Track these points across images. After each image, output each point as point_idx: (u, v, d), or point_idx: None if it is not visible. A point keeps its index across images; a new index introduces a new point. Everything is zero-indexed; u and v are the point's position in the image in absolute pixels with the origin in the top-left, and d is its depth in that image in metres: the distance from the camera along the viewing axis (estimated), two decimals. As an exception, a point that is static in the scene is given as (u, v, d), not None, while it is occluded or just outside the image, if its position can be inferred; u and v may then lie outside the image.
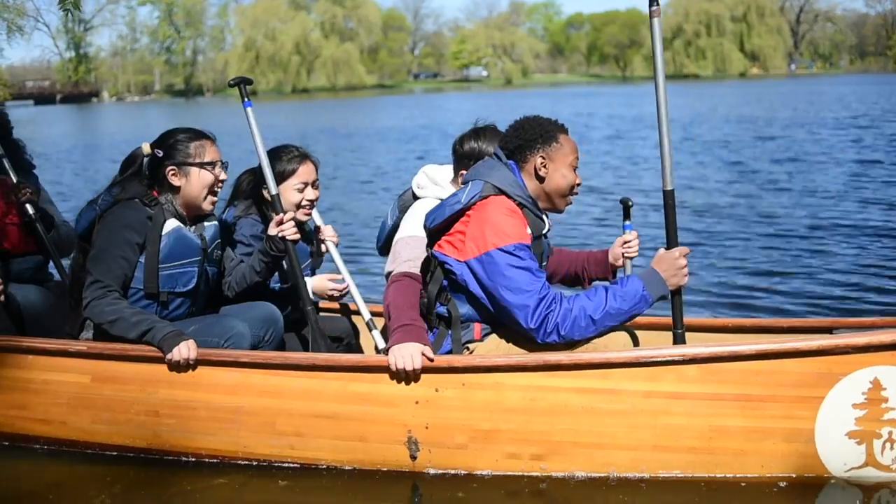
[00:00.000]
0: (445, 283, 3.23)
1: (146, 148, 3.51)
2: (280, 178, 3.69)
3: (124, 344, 3.36)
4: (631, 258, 3.66)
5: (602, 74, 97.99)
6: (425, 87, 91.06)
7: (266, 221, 3.76)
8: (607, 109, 30.23)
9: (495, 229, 3.07)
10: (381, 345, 3.68)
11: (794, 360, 2.95)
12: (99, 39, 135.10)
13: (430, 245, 3.30)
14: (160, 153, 3.47)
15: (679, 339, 3.15)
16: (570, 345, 3.09)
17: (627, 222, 3.69)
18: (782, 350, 2.95)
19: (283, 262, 3.73)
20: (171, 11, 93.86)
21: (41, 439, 3.57)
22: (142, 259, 3.39)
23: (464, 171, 3.47)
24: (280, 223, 3.54)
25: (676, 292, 3.14)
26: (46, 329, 3.92)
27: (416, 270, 3.35)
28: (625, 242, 3.63)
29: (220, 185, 3.54)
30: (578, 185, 3.29)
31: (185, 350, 3.26)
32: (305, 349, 3.82)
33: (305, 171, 3.78)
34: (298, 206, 3.76)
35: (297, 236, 3.57)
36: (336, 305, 4.32)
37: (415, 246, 3.39)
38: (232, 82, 3.64)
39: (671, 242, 3.15)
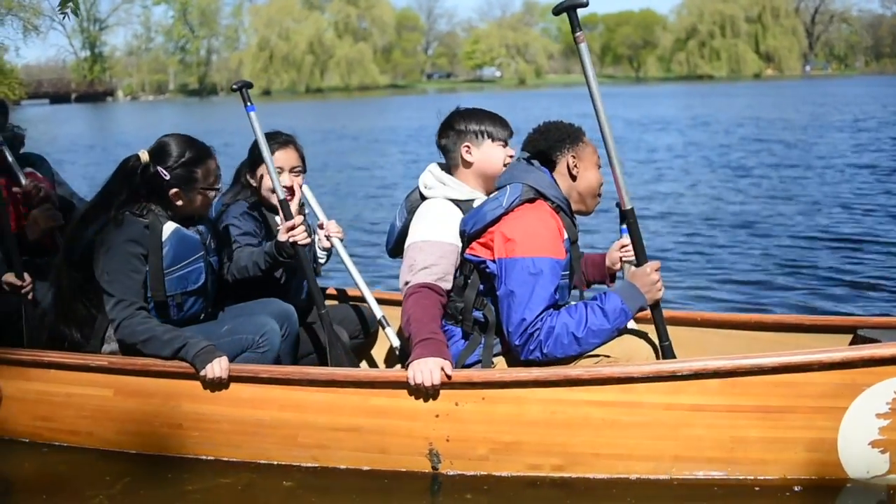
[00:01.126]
0: (482, 287, 3.24)
1: (144, 157, 3.45)
2: (260, 161, 3.70)
3: (145, 359, 3.38)
4: (629, 262, 3.66)
5: (615, 75, 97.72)
6: (438, 88, 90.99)
7: (256, 207, 3.83)
8: (620, 111, 30.13)
9: (529, 238, 3.08)
10: (395, 342, 3.69)
11: (817, 372, 2.94)
12: (114, 39, 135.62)
13: (464, 249, 3.30)
14: (166, 176, 3.42)
15: (667, 352, 3.17)
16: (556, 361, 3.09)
17: (624, 226, 3.68)
18: (805, 362, 2.95)
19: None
20: (186, 11, 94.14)
21: (80, 448, 3.61)
22: (146, 269, 3.39)
23: (465, 148, 3.46)
24: (290, 228, 3.54)
25: (655, 306, 3.16)
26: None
27: (434, 277, 3.29)
28: (622, 246, 3.63)
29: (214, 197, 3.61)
30: (602, 184, 3.31)
31: (217, 368, 3.27)
32: (317, 345, 3.83)
33: (283, 157, 3.80)
34: (273, 191, 3.71)
35: (308, 240, 3.58)
36: (357, 293, 4.35)
37: (429, 251, 3.32)
38: (234, 87, 3.65)
39: (640, 259, 3.18)
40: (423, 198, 3.52)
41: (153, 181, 3.45)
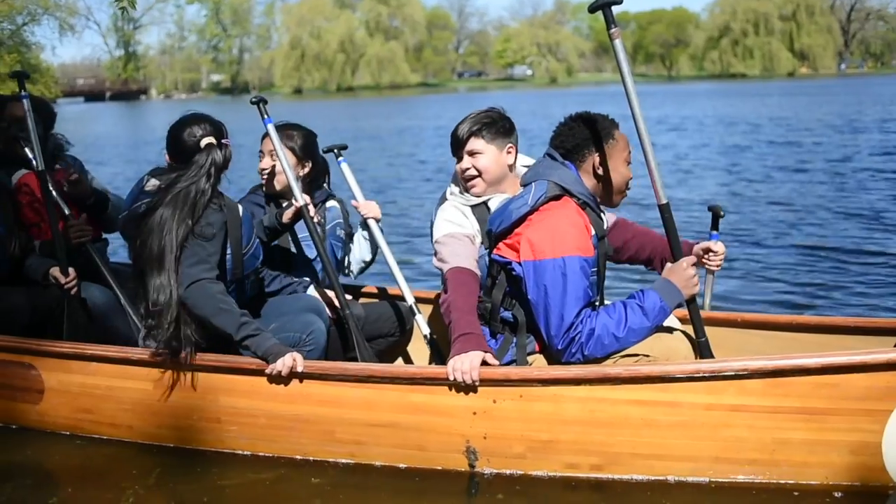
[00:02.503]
0: (509, 288, 3.22)
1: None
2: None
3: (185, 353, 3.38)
4: (713, 272, 3.64)
5: (648, 74, 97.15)
6: (469, 86, 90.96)
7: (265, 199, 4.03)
8: (653, 111, 29.93)
9: (556, 238, 3.05)
10: (426, 331, 3.71)
11: (861, 374, 2.90)
12: (147, 38, 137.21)
13: (492, 249, 3.28)
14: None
15: (704, 348, 3.14)
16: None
17: (715, 232, 3.63)
18: (850, 363, 2.90)
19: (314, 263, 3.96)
20: (219, 10, 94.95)
21: (117, 440, 3.65)
22: (228, 251, 3.44)
23: (509, 148, 3.48)
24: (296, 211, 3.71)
25: (691, 301, 3.14)
26: (110, 331, 4.01)
27: (467, 262, 3.30)
28: (709, 251, 3.58)
29: None
30: (631, 179, 3.28)
31: (289, 360, 3.25)
32: (344, 342, 3.83)
33: (264, 143, 3.98)
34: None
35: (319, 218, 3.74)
36: (375, 290, 4.41)
37: (453, 243, 3.37)
38: (252, 100, 3.79)
39: (676, 254, 3.15)
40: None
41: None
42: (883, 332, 3.57)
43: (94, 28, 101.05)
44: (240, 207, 3.54)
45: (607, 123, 3.25)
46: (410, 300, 3.82)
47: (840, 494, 2.98)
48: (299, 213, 3.69)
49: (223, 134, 3.51)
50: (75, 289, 3.96)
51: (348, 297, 4.09)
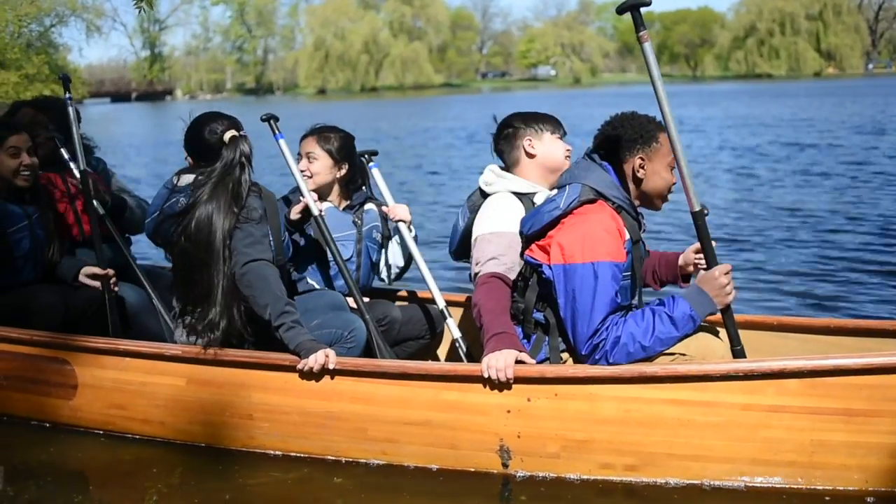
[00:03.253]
0: (541, 289, 3.20)
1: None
2: None
3: (217, 349, 3.41)
4: (702, 268, 3.59)
5: (672, 74, 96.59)
6: (493, 87, 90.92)
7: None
8: (678, 111, 29.76)
9: (587, 242, 3.02)
10: (457, 334, 3.70)
11: (901, 375, 2.85)
12: (173, 39, 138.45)
13: (524, 250, 3.27)
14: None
15: (739, 356, 3.09)
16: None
17: None
18: (889, 364, 2.86)
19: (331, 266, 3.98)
20: (243, 11, 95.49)
21: (141, 438, 3.66)
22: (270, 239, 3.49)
23: (528, 141, 3.50)
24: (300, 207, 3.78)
25: (726, 310, 3.09)
26: (142, 329, 4.03)
27: (503, 267, 3.28)
28: (698, 250, 3.54)
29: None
30: (674, 184, 3.23)
31: (321, 357, 3.26)
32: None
33: (301, 144, 4.05)
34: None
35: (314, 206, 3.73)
36: (426, 294, 4.35)
37: (497, 242, 3.33)
38: (263, 118, 3.86)
39: (710, 262, 3.11)
40: (485, 196, 3.55)
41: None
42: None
43: (121, 29, 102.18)
44: (274, 195, 3.61)
45: (652, 126, 3.19)
46: (441, 303, 3.81)
47: (874, 500, 2.93)
48: (306, 214, 3.77)
49: (240, 126, 3.55)
50: (116, 287, 4.01)
51: (381, 300, 4.12)
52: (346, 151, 4.03)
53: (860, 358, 2.89)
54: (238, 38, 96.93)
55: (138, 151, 23.35)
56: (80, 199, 4.29)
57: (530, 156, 3.50)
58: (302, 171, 3.95)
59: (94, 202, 4.22)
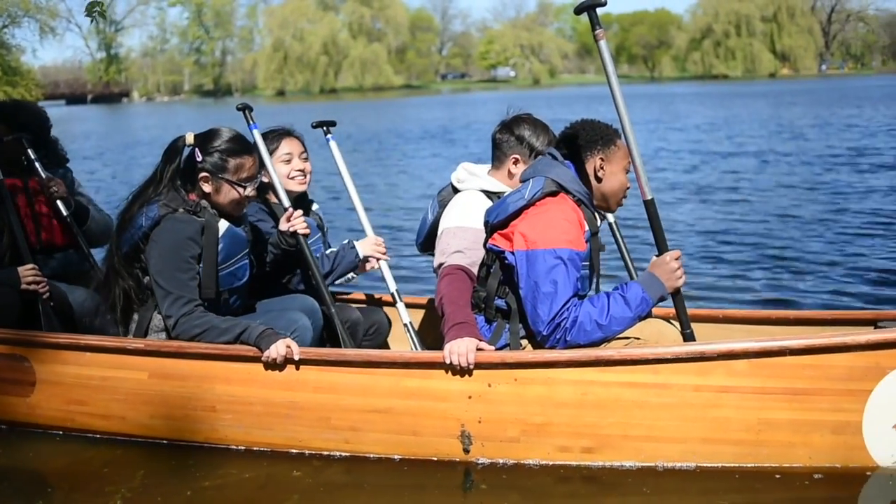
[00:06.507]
0: (503, 276, 3.30)
1: (189, 138, 3.52)
2: (270, 155, 3.86)
3: (181, 342, 3.42)
4: None
5: (630, 75, 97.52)
6: (453, 88, 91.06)
7: (268, 206, 3.97)
8: (636, 114, 30.09)
9: (550, 230, 3.14)
10: (406, 319, 3.80)
11: (842, 354, 3.00)
12: (129, 40, 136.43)
13: (487, 239, 3.37)
14: (199, 157, 3.47)
15: (689, 339, 3.22)
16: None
17: None
18: (831, 344, 3.00)
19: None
20: (201, 12, 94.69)
21: (102, 434, 3.65)
22: (199, 266, 3.44)
23: (514, 159, 3.55)
24: (289, 219, 3.69)
25: (676, 294, 3.22)
26: (95, 331, 4.00)
27: (467, 261, 3.39)
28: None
29: (246, 200, 3.58)
30: (628, 188, 3.36)
31: (282, 348, 3.31)
32: (335, 343, 3.85)
33: (288, 145, 3.96)
34: (290, 178, 3.93)
35: (308, 231, 3.70)
36: (363, 296, 4.46)
37: (462, 237, 3.43)
38: (238, 107, 3.84)
39: (661, 248, 3.23)
40: (456, 191, 3.65)
41: (189, 164, 3.51)
42: (861, 323, 3.69)
43: (76, 30, 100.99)
44: (222, 225, 3.52)
45: (610, 131, 3.35)
46: (406, 318, 3.86)
47: (821, 476, 3.06)
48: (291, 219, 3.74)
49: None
50: (44, 288, 3.93)
51: (342, 304, 4.09)
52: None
53: (803, 339, 3.03)
54: (196, 40, 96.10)
55: (99, 154, 23.03)
56: (43, 206, 4.23)
57: (510, 174, 3.58)
58: (301, 170, 3.95)
59: (59, 203, 4.19)
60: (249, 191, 3.54)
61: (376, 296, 4.46)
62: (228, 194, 3.50)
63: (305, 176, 3.99)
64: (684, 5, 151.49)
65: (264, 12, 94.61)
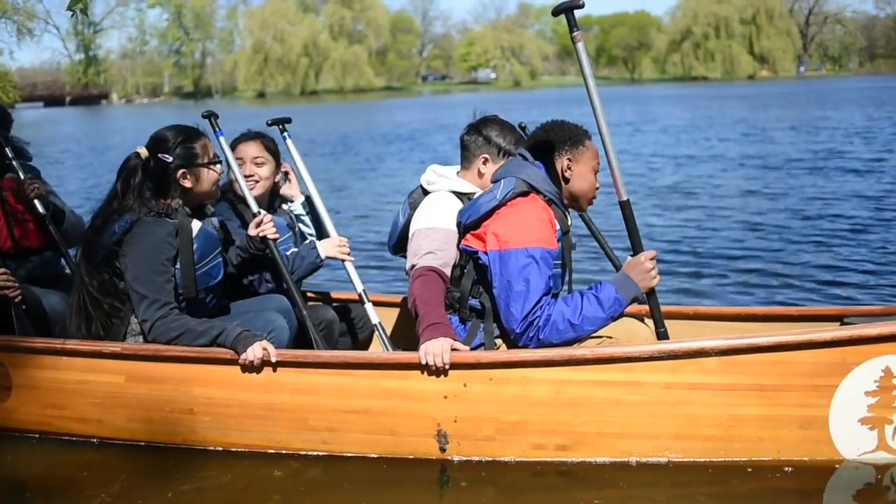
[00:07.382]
0: (476, 276, 3.35)
1: (143, 152, 3.53)
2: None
3: (157, 345, 3.43)
4: None
5: (610, 76, 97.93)
6: (433, 90, 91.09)
7: (233, 207, 3.99)
8: (614, 116, 30.22)
9: (522, 230, 3.19)
10: (375, 319, 3.83)
11: (808, 350, 3.07)
12: (108, 42, 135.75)
13: (460, 241, 3.41)
14: (168, 158, 3.49)
15: (663, 338, 3.28)
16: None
17: None
18: (798, 341, 3.07)
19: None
20: (181, 14, 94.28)
21: (79, 437, 3.65)
22: (176, 267, 3.45)
23: (483, 159, 3.58)
24: (259, 224, 3.70)
25: (650, 294, 3.28)
26: (70, 335, 3.99)
27: (439, 262, 3.41)
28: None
29: (219, 178, 3.65)
30: (598, 188, 3.41)
31: (259, 350, 3.33)
32: (307, 345, 3.83)
33: (240, 150, 3.98)
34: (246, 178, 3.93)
35: (277, 235, 3.72)
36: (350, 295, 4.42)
37: (434, 238, 3.45)
38: (204, 114, 3.86)
39: (636, 248, 3.28)
40: (426, 193, 3.66)
41: (159, 171, 3.51)
42: (828, 319, 3.79)
43: (54, 32, 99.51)
44: (195, 225, 3.54)
45: (579, 132, 3.39)
46: (375, 319, 3.87)
47: (790, 469, 3.13)
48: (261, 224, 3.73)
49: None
50: (15, 293, 3.89)
51: (317, 303, 4.16)
52: (278, 151, 4.09)
53: (771, 336, 3.10)
54: (175, 41, 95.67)
55: (76, 157, 22.72)
56: (19, 206, 4.21)
57: (480, 174, 3.61)
58: (248, 177, 3.93)
59: (37, 203, 4.17)
60: (220, 167, 3.62)
61: (344, 295, 4.46)
62: (208, 177, 3.57)
63: (258, 181, 3.97)
64: (664, 7, 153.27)
65: (244, 14, 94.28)
